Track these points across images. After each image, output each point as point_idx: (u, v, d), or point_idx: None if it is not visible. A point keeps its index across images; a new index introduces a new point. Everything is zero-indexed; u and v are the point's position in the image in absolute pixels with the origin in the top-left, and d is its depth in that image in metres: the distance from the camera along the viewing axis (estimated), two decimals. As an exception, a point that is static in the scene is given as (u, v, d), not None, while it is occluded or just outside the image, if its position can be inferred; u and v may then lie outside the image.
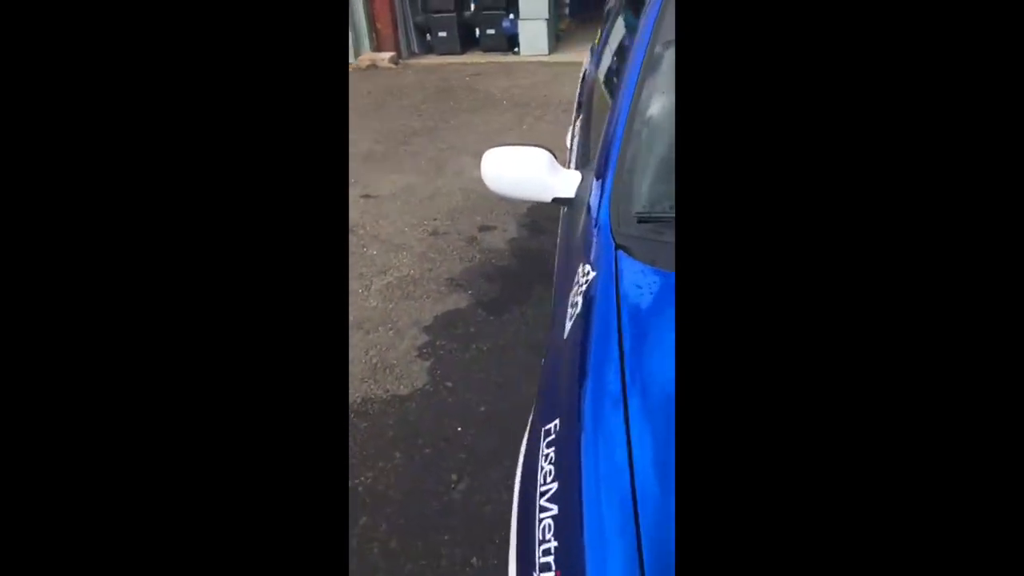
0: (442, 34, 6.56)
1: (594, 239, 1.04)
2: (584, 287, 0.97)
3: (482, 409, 1.88)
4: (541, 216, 3.01)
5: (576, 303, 0.97)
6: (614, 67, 1.64)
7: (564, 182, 1.22)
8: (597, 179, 1.16)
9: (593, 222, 1.09)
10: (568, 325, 0.97)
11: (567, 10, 7.40)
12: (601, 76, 1.78)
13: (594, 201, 1.13)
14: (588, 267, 1.00)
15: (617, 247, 0.97)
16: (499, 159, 1.24)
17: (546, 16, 6.25)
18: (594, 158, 1.25)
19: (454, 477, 1.66)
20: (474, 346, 2.15)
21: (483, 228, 2.97)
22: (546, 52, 6.33)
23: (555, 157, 1.23)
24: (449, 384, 1.99)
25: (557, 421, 0.84)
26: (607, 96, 1.63)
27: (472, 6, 6.58)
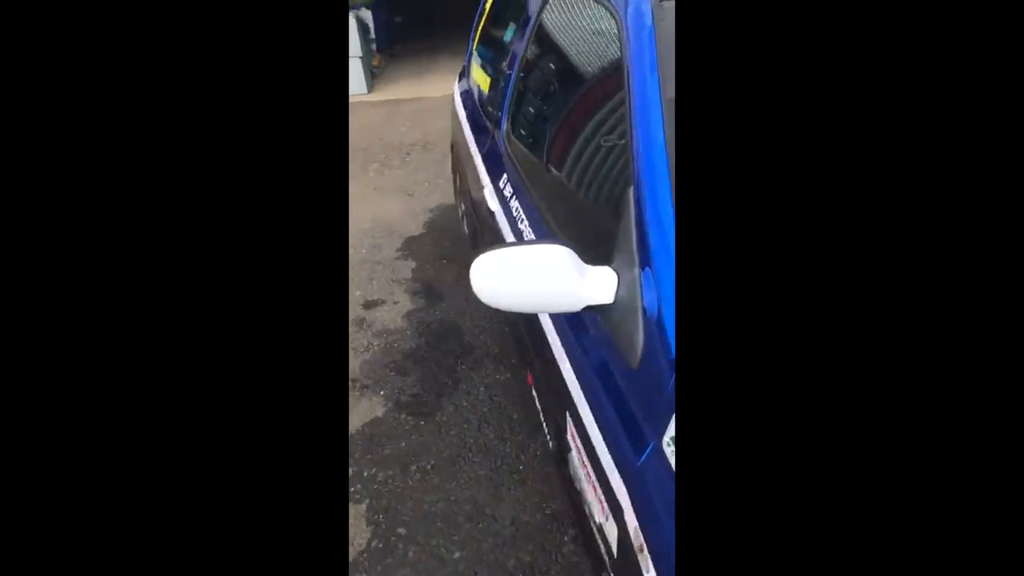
0: (242, 80, 5.82)
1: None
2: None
3: (457, 556, 1.47)
4: (432, 275, 2.63)
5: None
6: (566, 110, 1.36)
7: (598, 285, 0.89)
8: (643, 269, 0.86)
9: (664, 335, 0.79)
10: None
11: (374, 45, 7.05)
12: (541, 127, 1.48)
13: (651, 303, 0.83)
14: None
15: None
16: (501, 265, 0.88)
17: (359, 54, 5.84)
18: (615, 243, 0.95)
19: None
20: (414, 467, 1.72)
21: (368, 304, 2.51)
22: (366, 91, 5.92)
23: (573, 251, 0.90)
24: (402, 531, 1.54)
25: None
26: (560, 153, 1.35)
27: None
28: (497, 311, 2.39)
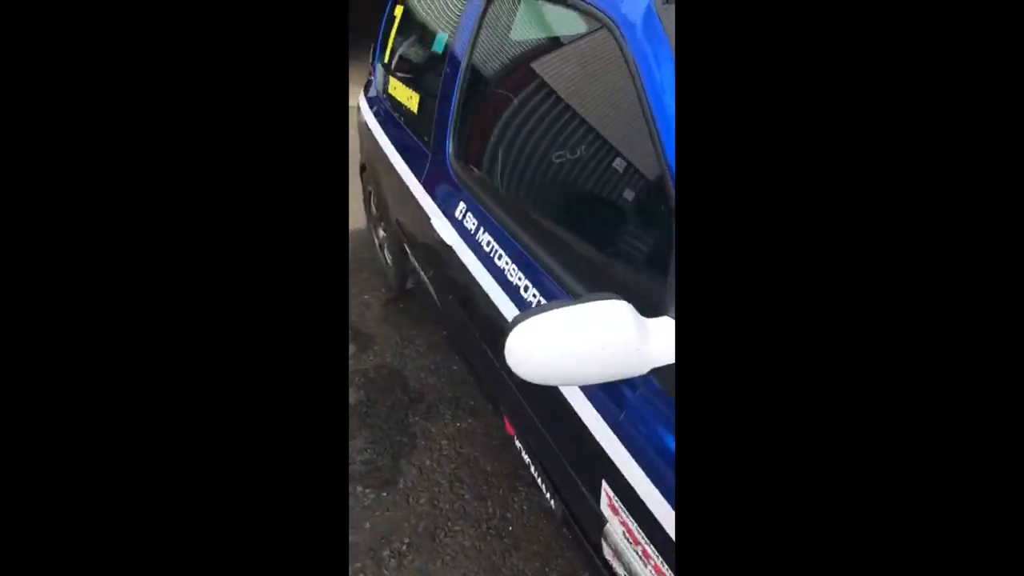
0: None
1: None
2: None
3: (464, 655, 1.25)
4: (355, 316, 2.35)
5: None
6: (546, 128, 1.18)
7: (663, 341, 0.73)
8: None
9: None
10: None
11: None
12: (513, 151, 1.29)
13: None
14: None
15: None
16: (551, 332, 0.69)
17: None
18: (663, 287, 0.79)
19: None
20: (387, 552, 1.46)
21: (287, 359, 2.17)
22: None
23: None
24: (390, 637, 1.29)
25: None
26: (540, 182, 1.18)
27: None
28: (438, 348, 2.17)
